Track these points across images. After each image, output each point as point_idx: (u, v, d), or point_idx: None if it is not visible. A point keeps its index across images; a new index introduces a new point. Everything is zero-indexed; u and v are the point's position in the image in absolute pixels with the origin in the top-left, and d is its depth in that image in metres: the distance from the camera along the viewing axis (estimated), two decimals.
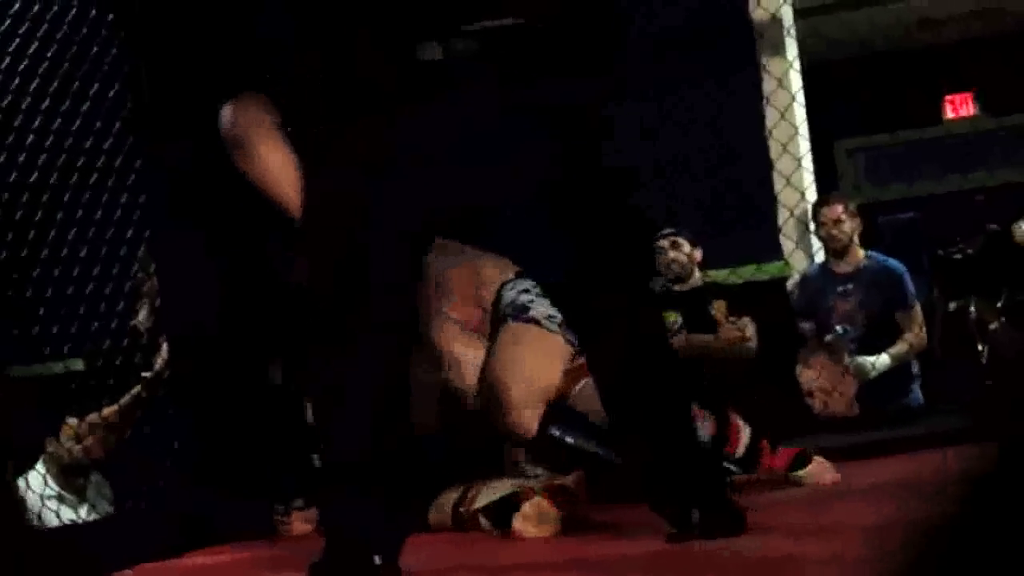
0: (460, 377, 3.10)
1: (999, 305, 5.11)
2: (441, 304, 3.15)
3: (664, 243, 5.08)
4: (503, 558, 2.49)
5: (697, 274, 5.12)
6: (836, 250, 5.14)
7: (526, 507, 2.70)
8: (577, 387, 3.05)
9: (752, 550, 2.09)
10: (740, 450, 3.06)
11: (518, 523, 2.68)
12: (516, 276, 3.17)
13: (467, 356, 3.10)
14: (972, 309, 5.17)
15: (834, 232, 5.09)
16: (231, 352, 3.17)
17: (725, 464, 3.02)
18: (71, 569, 2.52)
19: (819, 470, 3.04)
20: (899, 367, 4.97)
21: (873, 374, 4.86)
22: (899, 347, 4.98)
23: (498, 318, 3.13)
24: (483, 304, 3.19)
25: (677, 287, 5.07)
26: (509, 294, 3.14)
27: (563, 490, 2.74)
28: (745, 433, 3.08)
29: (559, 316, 3.03)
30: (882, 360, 4.90)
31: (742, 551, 2.10)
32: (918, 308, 5.11)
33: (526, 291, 3.11)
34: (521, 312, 3.07)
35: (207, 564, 2.95)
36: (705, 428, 3.00)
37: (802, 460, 3.06)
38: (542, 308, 3.06)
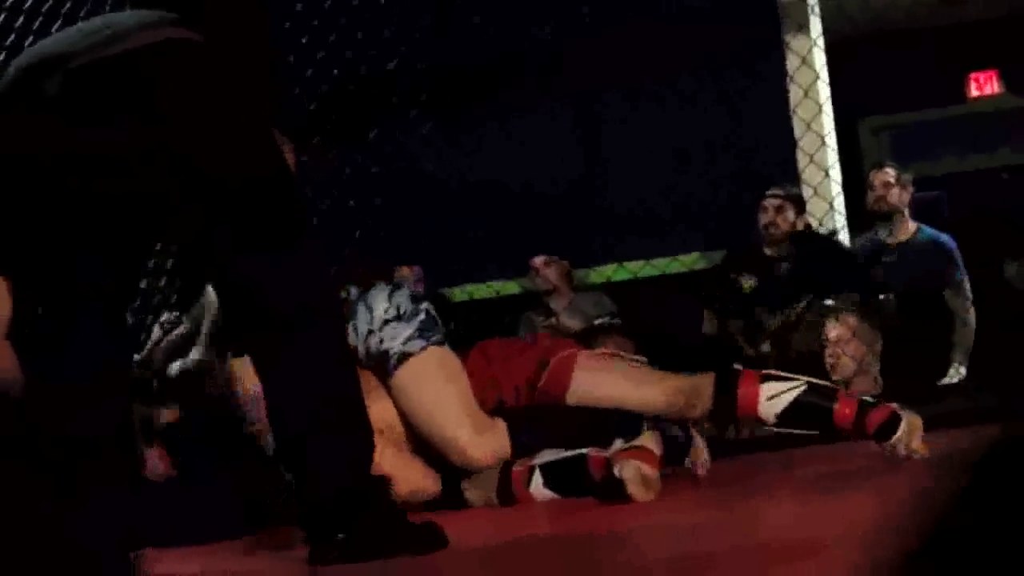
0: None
1: None
2: None
3: (767, 203, 4.94)
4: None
5: None
6: (883, 217, 5.11)
7: (628, 471, 2.63)
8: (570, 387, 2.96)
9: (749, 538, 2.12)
10: (770, 408, 2.79)
11: (633, 487, 2.61)
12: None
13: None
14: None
15: (881, 194, 5.08)
16: None
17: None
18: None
19: (910, 432, 2.74)
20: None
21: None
22: (962, 334, 4.98)
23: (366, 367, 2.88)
24: None
25: (769, 250, 4.94)
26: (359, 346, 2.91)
27: (645, 451, 2.72)
28: (768, 387, 2.81)
29: (412, 328, 2.89)
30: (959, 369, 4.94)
31: (734, 539, 2.11)
32: (966, 283, 5.08)
33: (369, 332, 2.92)
34: (385, 359, 2.90)
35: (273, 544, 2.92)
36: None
37: (891, 426, 2.75)
38: (395, 339, 2.89)
